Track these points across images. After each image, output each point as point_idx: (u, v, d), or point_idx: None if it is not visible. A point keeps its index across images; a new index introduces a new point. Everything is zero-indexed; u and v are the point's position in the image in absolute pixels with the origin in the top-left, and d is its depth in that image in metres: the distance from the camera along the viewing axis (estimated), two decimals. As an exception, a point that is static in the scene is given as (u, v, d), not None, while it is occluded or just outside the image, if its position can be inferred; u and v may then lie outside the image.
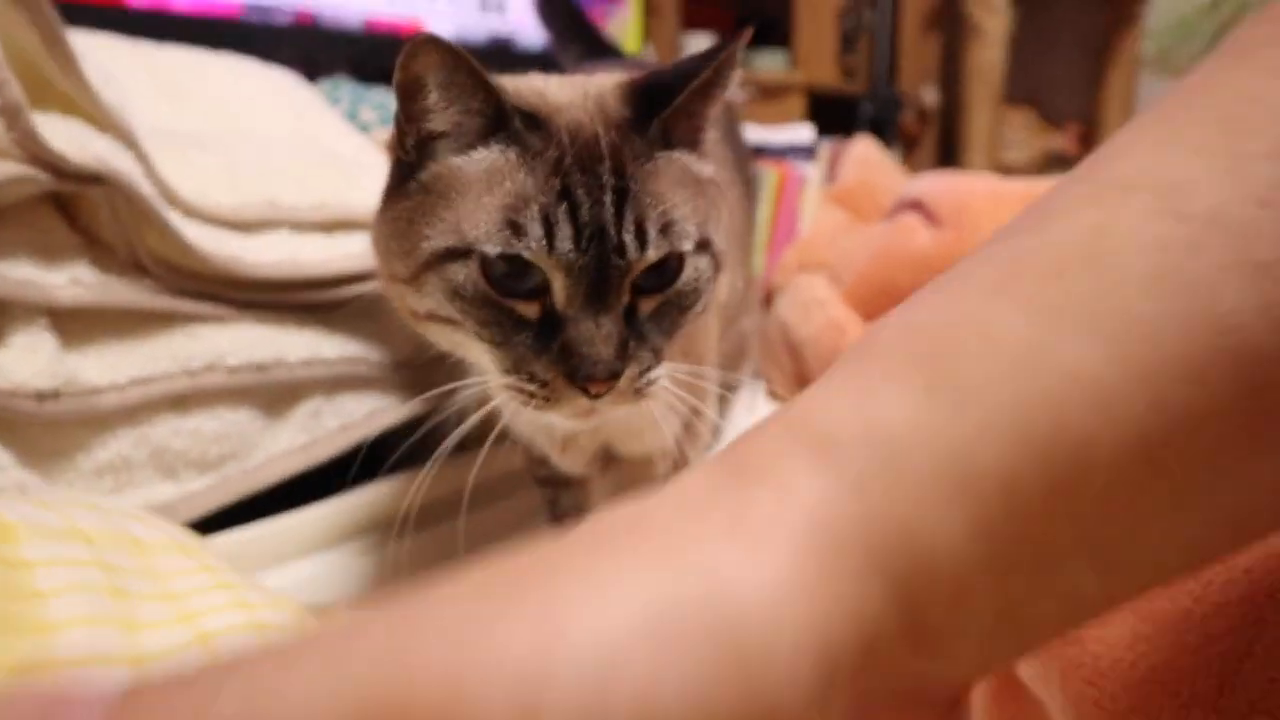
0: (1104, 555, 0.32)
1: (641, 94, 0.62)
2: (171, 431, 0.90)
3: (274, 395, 1.01)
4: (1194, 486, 0.32)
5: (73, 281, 0.82)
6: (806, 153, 2.56)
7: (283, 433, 1.02)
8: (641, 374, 0.60)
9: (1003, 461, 0.31)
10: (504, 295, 0.57)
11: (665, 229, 0.58)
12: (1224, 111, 0.36)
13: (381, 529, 1.10)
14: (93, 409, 0.83)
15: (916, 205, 1.76)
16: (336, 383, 1.07)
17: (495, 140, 0.58)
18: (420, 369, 1.16)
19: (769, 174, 2.11)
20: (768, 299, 2.04)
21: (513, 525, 1.13)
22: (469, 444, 1.28)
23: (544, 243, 0.55)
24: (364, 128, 1.48)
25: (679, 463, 0.87)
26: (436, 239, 0.58)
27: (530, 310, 0.58)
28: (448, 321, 0.61)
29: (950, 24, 4.29)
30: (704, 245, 0.62)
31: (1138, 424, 0.31)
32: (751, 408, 1.45)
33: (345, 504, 1.08)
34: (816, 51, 3.93)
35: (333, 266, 1.02)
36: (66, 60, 0.81)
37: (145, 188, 0.85)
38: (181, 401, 0.91)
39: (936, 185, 1.75)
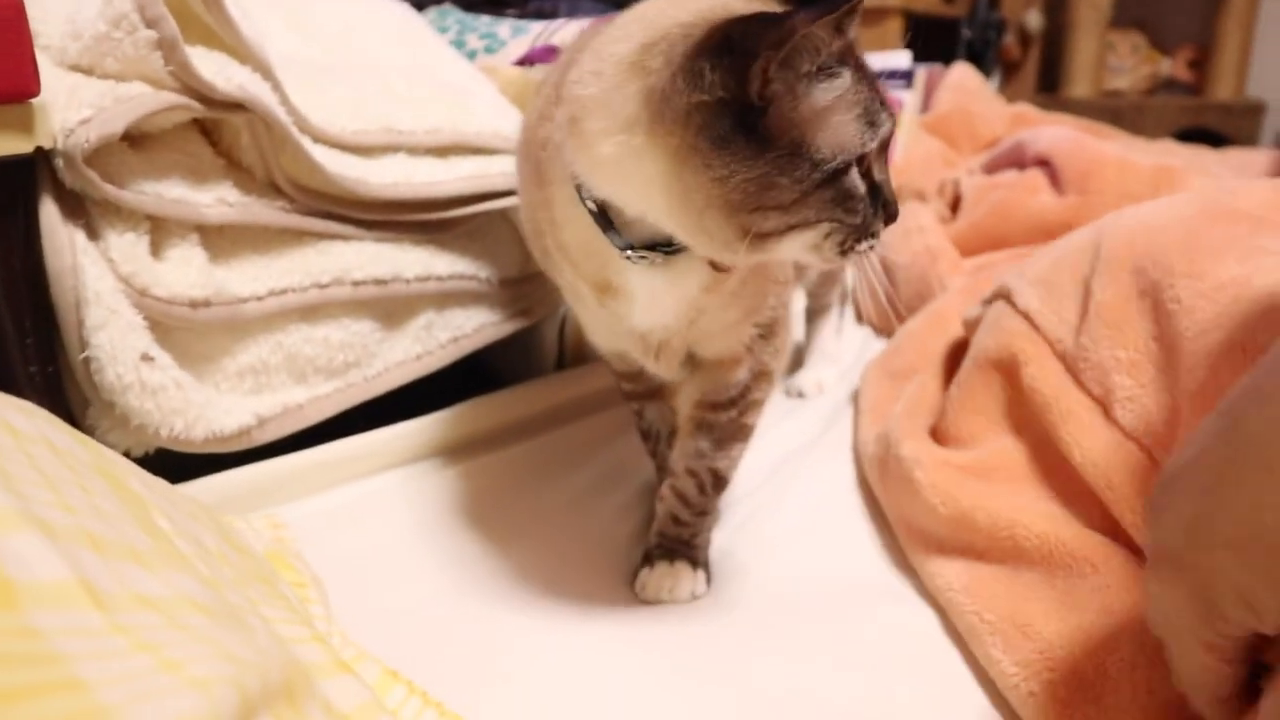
0: None
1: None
2: (303, 339, 1.00)
3: (391, 308, 1.09)
4: None
5: (219, 201, 0.91)
6: (904, 78, 2.55)
7: (399, 343, 1.11)
8: None
9: None
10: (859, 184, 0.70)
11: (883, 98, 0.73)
12: None
13: (487, 439, 1.19)
14: (237, 317, 0.92)
15: (1043, 162, 1.78)
16: (447, 297, 1.15)
17: (828, 66, 0.68)
18: (523, 285, 1.24)
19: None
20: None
21: (604, 439, 1.21)
22: (567, 362, 1.37)
23: (881, 126, 0.70)
24: (470, 55, 1.55)
25: (758, 371, 0.93)
26: (832, 159, 0.68)
27: (863, 187, 0.71)
28: (813, 225, 0.70)
29: (1059, -57, 4.16)
30: None
31: None
32: (839, 329, 1.50)
33: (454, 415, 1.17)
34: (917, -27, 3.85)
35: (446, 188, 1.09)
36: (212, -3, 0.89)
37: (281, 115, 0.93)
38: (311, 312, 1.00)
39: (1065, 144, 1.77)
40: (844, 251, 0.72)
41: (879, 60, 2.60)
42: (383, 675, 0.63)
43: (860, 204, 0.70)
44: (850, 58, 0.69)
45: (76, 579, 0.35)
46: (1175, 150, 2.64)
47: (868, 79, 0.70)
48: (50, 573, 0.34)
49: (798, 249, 0.72)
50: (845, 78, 0.68)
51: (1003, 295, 1.04)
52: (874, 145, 0.70)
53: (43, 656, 0.31)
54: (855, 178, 0.69)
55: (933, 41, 3.44)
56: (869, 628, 0.85)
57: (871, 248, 0.73)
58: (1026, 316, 0.98)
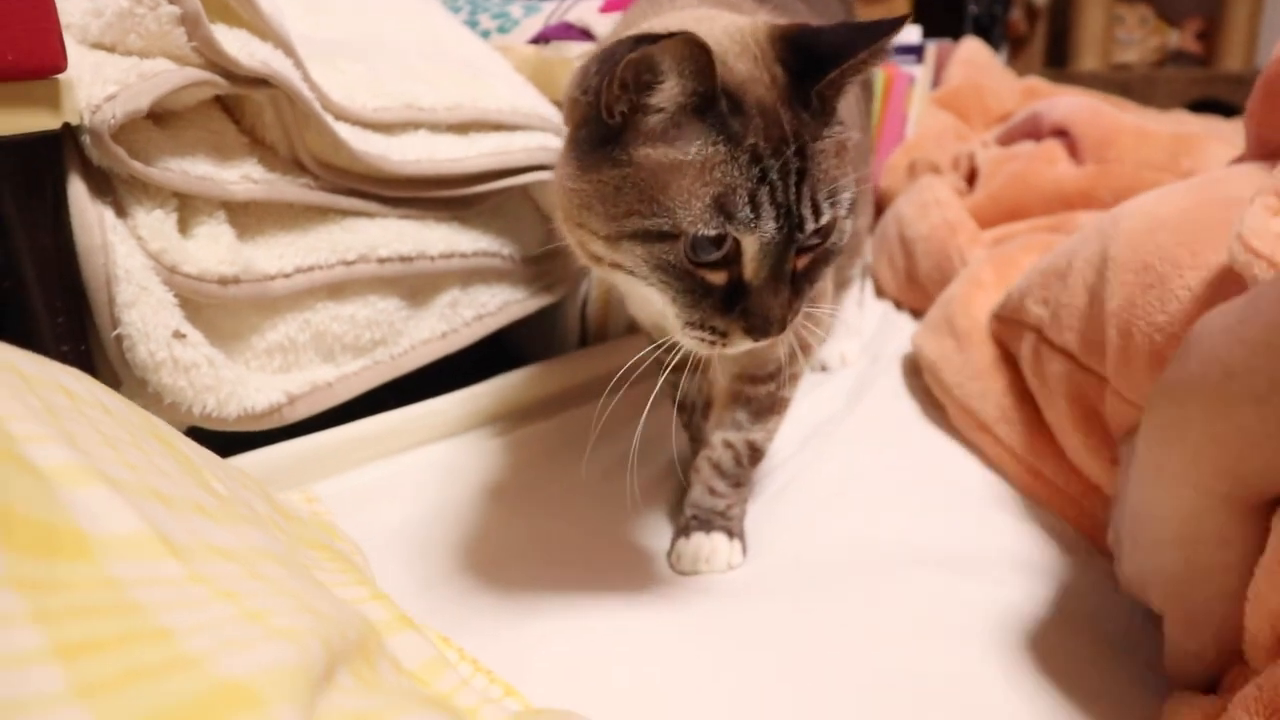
0: None
1: (795, 52, 0.67)
2: (330, 317, 0.99)
3: (417, 286, 1.09)
4: None
5: (244, 178, 0.90)
6: (913, 53, 2.53)
7: (425, 321, 1.10)
8: (793, 319, 0.70)
9: None
10: (698, 266, 0.65)
11: (832, 201, 0.67)
12: None
13: (513, 415, 1.19)
14: (265, 294, 0.91)
15: (1060, 132, 1.77)
16: (471, 275, 1.14)
17: (704, 121, 0.64)
18: (545, 262, 1.23)
19: (877, 75, 2.10)
20: (877, 200, 2.06)
21: (632, 414, 1.20)
22: (590, 339, 1.36)
23: (751, 224, 0.63)
24: (484, 35, 1.53)
25: (798, 345, 0.92)
26: (650, 219, 0.64)
27: (719, 278, 0.66)
28: (634, 275, 0.68)
29: (1064, -84, 4.13)
30: (851, 207, 0.70)
31: None
32: (860, 302, 1.49)
33: (481, 391, 1.16)
34: (922, -51, 3.81)
35: (467, 165, 1.08)
36: (231, -28, 0.88)
37: (305, 91, 0.92)
38: (338, 289, 1.00)
39: (1082, 114, 1.75)
40: (684, 325, 0.68)
41: (889, 35, 2.57)
42: (436, 640, 0.62)
43: (687, 284, 0.66)
44: (749, 138, 0.63)
45: (151, 530, 0.34)
46: (1189, 120, 2.62)
47: (784, 177, 0.63)
48: (124, 524, 0.34)
49: (653, 297, 0.69)
50: (714, 149, 0.63)
51: (1034, 328, 1.06)
52: (715, 234, 0.63)
53: (124, 607, 0.31)
54: (680, 254, 0.64)
55: (939, 17, 3.42)
56: (905, 594, 0.85)
57: (712, 345, 0.68)
58: (1072, 358, 0.98)
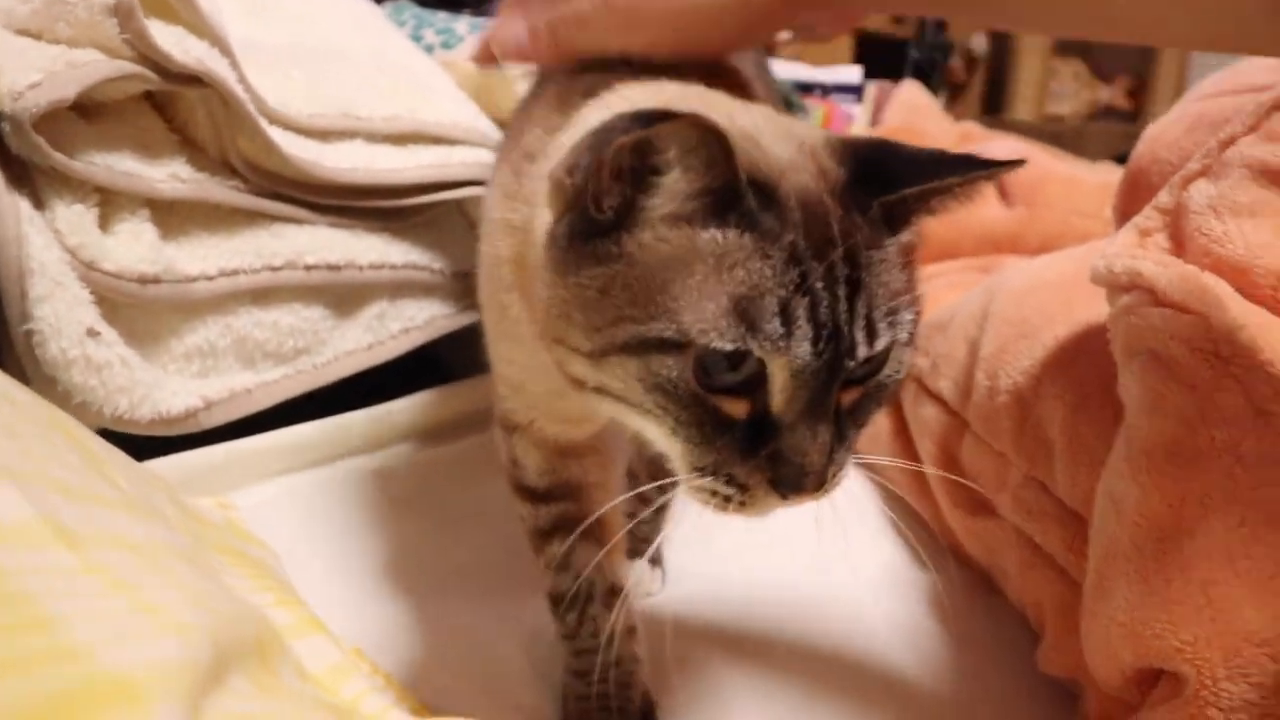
0: None
1: (858, 160, 0.54)
2: (253, 323, 0.97)
3: (344, 295, 1.07)
4: None
5: (171, 176, 0.89)
6: (853, 93, 2.58)
7: (350, 332, 1.09)
8: (836, 473, 0.54)
9: None
10: (711, 391, 0.50)
11: (891, 321, 0.52)
12: None
13: (437, 431, 1.17)
14: (186, 295, 0.89)
15: None
16: (400, 287, 1.13)
17: (726, 218, 0.50)
18: (476, 278, 1.22)
19: (815, 111, 2.13)
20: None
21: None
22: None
23: (782, 341, 0.48)
24: (427, 50, 1.53)
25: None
26: (647, 325, 0.49)
27: (738, 409, 0.51)
28: (625, 402, 0.53)
29: (1004, -30, 4.25)
30: (913, 337, 0.56)
31: None
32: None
33: (404, 406, 1.15)
34: (867, -7, 3.90)
35: (404, 176, 1.07)
36: (170, -31, 0.87)
37: (239, 91, 0.91)
38: (262, 295, 0.98)
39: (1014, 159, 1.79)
40: (690, 470, 0.52)
41: (830, 74, 2.63)
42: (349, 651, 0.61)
43: (694, 414, 0.51)
44: (787, 234, 0.49)
45: (43, 519, 0.33)
46: (1118, 172, 2.70)
47: (830, 287, 0.49)
48: (13, 514, 0.33)
49: (650, 430, 0.53)
50: (736, 239, 0.49)
51: (914, 378, 1.10)
52: (732, 348, 0.48)
53: (9, 596, 0.30)
54: (685, 371, 0.49)
55: (880, 60, 3.49)
56: (825, 624, 0.85)
57: (726, 501, 0.52)
58: (944, 404, 1.02)
